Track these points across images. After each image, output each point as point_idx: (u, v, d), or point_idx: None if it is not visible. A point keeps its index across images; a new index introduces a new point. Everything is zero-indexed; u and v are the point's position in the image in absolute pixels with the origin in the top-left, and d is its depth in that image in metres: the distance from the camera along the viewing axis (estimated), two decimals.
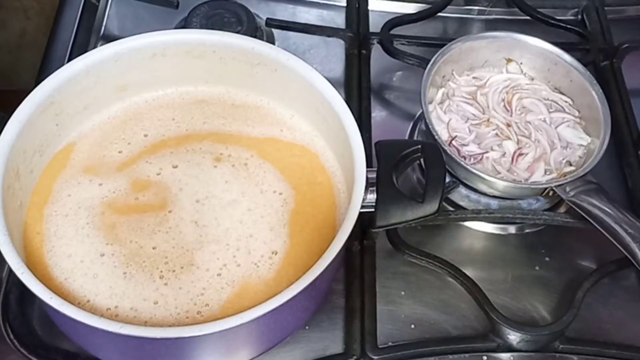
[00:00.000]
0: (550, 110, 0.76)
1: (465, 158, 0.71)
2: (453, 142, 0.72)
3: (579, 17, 0.91)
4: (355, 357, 0.63)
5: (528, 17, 0.87)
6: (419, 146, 0.61)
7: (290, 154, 0.65)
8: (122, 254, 0.59)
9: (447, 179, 0.70)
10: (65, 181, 0.62)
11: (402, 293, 0.67)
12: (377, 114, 0.80)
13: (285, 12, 0.88)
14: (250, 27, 0.80)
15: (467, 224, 0.73)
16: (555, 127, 0.75)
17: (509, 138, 0.73)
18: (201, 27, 0.78)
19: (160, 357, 0.58)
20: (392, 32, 0.83)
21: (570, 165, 0.72)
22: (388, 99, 0.83)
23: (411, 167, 0.73)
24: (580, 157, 0.73)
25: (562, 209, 0.72)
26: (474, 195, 0.72)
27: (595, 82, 0.75)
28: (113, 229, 0.60)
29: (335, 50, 0.84)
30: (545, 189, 0.70)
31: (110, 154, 0.65)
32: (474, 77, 0.79)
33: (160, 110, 0.67)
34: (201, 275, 0.58)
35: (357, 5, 0.87)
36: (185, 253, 0.59)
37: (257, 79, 0.66)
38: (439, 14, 0.87)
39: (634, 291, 0.70)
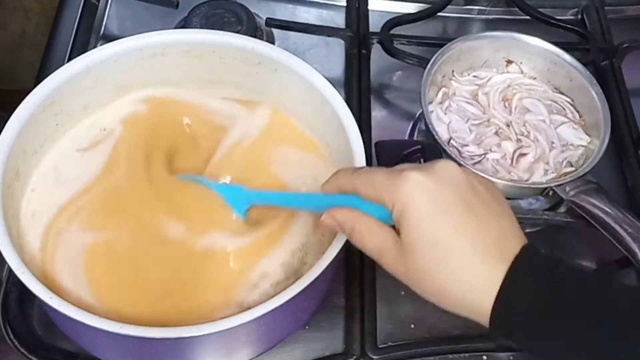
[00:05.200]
0: (550, 110, 0.76)
1: (465, 158, 0.71)
2: (452, 141, 0.72)
3: (579, 17, 0.91)
4: (355, 357, 0.63)
5: (528, 17, 0.87)
6: (419, 146, 0.61)
7: (290, 153, 0.65)
8: (122, 253, 0.59)
9: None
10: None
11: (402, 293, 0.67)
12: (377, 113, 0.80)
13: (285, 12, 0.88)
14: (250, 27, 0.80)
15: None
16: (555, 128, 0.75)
17: (509, 138, 0.73)
18: (201, 27, 0.78)
19: (160, 357, 0.58)
20: (392, 31, 0.83)
21: (570, 165, 0.72)
22: (388, 99, 0.83)
23: None
24: (580, 157, 0.73)
25: (562, 209, 0.72)
26: None
27: (595, 82, 0.75)
28: (113, 228, 0.60)
29: (335, 50, 0.84)
30: (545, 188, 0.70)
31: None
32: (474, 76, 0.79)
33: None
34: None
35: (357, 5, 0.87)
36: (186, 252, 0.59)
37: (257, 79, 0.66)
38: (439, 13, 0.87)
39: None
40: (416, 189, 0.46)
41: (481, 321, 0.46)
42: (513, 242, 0.46)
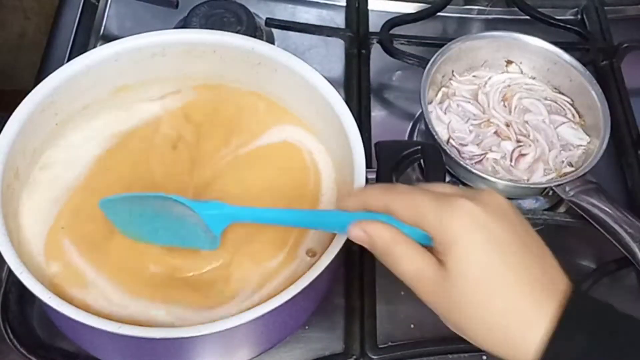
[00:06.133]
0: (550, 110, 0.76)
1: (465, 158, 0.71)
2: (452, 141, 0.72)
3: (579, 16, 0.91)
4: (355, 357, 0.63)
5: (528, 17, 0.87)
6: (419, 147, 0.61)
7: (290, 153, 0.65)
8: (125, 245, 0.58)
9: (447, 179, 0.70)
10: None
11: (402, 293, 0.67)
12: (377, 114, 0.80)
13: (285, 12, 0.88)
14: (250, 27, 0.80)
15: None
16: (555, 128, 0.75)
17: (509, 138, 0.73)
18: (201, 27, 0.78)
19: (160, 357, 0.58)
20: (391, 31, 0.83)
21: (570, 165, 0.72)
22: (388, 99, 0.83)
23: (411, 167, 0.73)
24: (579, 157, 0.73)
25: (562, 209, 0.72)
26: None
27: (595, 81, 0.75)
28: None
29: (335, 50, 0.84)
30: (545, 188, 0.70)
31: None
32: (474, 76, 0.79)
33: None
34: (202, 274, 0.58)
35: (356, 5, 0.87)
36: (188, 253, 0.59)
37: (257, 79, 0.66)
38: (439, 13, 0.87)
39: (633, 291, 0.70)
40: (469, 220, 0.44)
41: None
42: (559, 280, 0.45)
